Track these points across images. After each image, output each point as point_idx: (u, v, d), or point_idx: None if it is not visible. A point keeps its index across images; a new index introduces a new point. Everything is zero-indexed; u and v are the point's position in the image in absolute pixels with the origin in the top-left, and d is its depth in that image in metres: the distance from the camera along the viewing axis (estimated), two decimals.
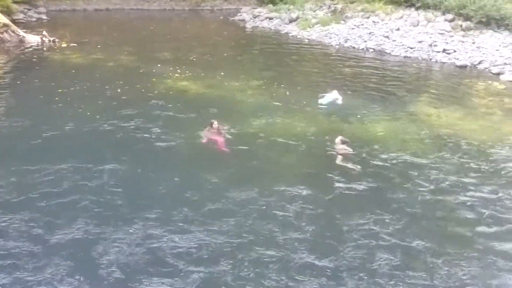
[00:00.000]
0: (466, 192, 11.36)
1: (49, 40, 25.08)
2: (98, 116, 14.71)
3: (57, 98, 16.36)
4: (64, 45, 24.76)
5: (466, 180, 11.90)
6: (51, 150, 12.68)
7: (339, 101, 16.88)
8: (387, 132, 14.64)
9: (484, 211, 10.59)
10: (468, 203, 10.86)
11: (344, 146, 12.97)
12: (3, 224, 9.37)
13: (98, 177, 11.31)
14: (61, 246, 8.93)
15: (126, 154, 12.46)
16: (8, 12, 29.25)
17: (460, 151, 13.49)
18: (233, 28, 32.64)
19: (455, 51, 24.27)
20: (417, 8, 28.96)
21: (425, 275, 8.55)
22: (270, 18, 33.50)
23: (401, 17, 28.87)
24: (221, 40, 28.57)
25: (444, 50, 24.47)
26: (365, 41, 26.97)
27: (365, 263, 8.82)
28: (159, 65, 21.54)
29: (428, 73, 22.81)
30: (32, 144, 12.89)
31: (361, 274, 8.50)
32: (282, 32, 30.72)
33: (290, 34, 29.96)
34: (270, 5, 34.88)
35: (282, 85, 19.09)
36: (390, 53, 25.30)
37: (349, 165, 12.29)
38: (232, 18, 35.10)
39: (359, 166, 12.23)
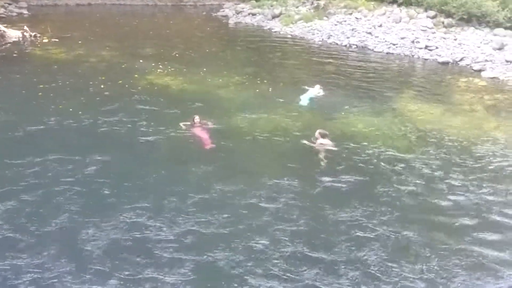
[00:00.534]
0: (450, 185, 11.62)
1: (30, 35, 24.65)
2: (80, 112, 14.59)
3: (40, 94, 16.19)
4: (45, 40, 24.38)
5: (449, 174, 12.16)
6: (34, 144, 12.61)
7: (321, 93, 17.28)
8: (370, 128, 14.75)
9: (468, 203, 10.89)
10: (452, 197, 11.12)
11: (325, 140, 13.11)
12: None
13: (82, 169, 11.30)
14: (46, 235, 9.00)
15: (110, 149, 12.43)
16: None
17: (442, 146, 13.71)
18: (216, 24, 32.47)
19: (437, 48, 24.41)
20: (400, 5, 29.04)
21: (413, 265, 8.80)
22: (253, 14, 33.36)
23: (384, 14, 28.97)
24: (204, 36, 28.41)
25: (426, 47, 24.59)
26: (348, 38, 26.99)
27: (355, 253, 8.98)
28: (141, 60, 21.38)
29: (410, 69, 22.94)
30: (14, 138, 12.82)
31: (350, 265, 8.67)
32: (265, 28, 30.64)
33: (273, 30, 29.89)
34: (253, 1, 34.70)
35: (265, 81, 19.11)
36: (373, 50, 25.34)
37: (329, 154, 12.55)
38: (215, 14, 34.91)
39: (336, 148, 12.74)
